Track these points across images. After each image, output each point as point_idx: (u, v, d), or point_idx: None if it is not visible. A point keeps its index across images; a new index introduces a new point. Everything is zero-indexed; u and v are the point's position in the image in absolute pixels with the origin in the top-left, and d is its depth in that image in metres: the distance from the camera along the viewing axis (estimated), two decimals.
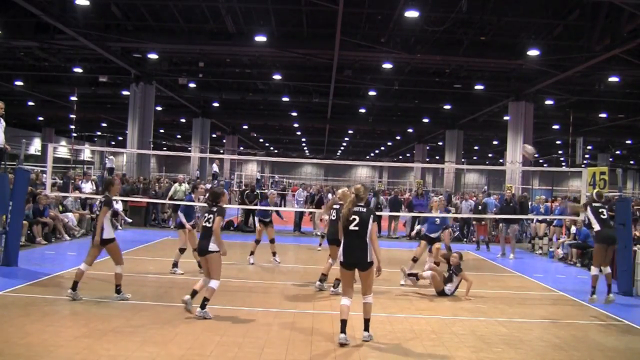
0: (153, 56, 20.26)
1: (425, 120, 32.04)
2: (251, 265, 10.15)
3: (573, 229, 13.02)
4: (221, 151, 40.59)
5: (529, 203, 16.88)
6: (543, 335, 6.38)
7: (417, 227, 10.53)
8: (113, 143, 43.83)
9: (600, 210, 7.88)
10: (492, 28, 15.84)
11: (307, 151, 57.58)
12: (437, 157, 46.93)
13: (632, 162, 46.96)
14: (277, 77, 22.38)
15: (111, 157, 23.16)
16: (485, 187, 24.64)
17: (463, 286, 8.27)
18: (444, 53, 17.83)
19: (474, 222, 15.84)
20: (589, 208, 7.99)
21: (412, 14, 13.63)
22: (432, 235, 9.28)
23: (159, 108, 28.45)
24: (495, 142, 39.15)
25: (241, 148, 45.64)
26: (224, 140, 41.86)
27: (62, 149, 37.94)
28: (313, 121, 34.93)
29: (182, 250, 9.07)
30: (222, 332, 5.81)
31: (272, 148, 56.34)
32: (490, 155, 48.39)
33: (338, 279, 7.98)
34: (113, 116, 33.50)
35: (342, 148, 55.57)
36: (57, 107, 30.09)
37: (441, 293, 8.07)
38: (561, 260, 13.02)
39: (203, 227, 6.43)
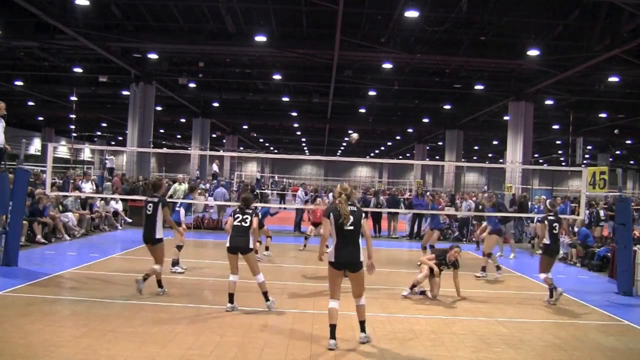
0: (153, 56, 20.25)
1: (425, 120, 32.03)
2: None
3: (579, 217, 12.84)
4: (221, 151, 40.57)
5: (529, 203, 16.89)
6: (543, 335, 6.38)
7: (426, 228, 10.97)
8: (113, 143, 43.79)
9: (554, 224, 8.24)
10: (492, 28, 15.83)
11: (307, 151, 57.59)
12: (437, 157, 46.94)
13: (632, 162, 46.96)
14: (277, 77, 22.37)
15: (111, 157, 23.15)
16: (485, 187, 24.64)
17: (449, 287, 8.20)
18: (444, 53, 17.82)
19: (474, 222, 15.85)
20: (546, 222, 8.30)
21: (412, 14, 13.63)
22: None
23: (159, 108, 28.45)
24: (495, 142, 39.15)
25: (241, 148, 45.65)
26: (224, 140, 41.85)
27: (62, 149, 37.95)
28: (313, 121, 34.94)
29: (179, 248, 9.10)
30: (222, 332, 5.82)
31: (272, 148, 56.34)
32: (490, 155, 48.40)
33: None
34: (113, 116, 33.49)
35: (342, 148, 55.57)
36: (57, 107, 30.08)
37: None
38: (561, 260, 13.02)
39: (236, 226, 6.77)
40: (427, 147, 42.17)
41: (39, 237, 11.48)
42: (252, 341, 5.55)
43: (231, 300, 6.70)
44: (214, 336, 5.63)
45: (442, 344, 5.76)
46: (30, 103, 31.35)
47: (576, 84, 21.24)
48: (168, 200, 8.19)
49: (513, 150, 22.07)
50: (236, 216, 6.85)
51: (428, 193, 14.41)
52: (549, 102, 24.22)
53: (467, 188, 31.56)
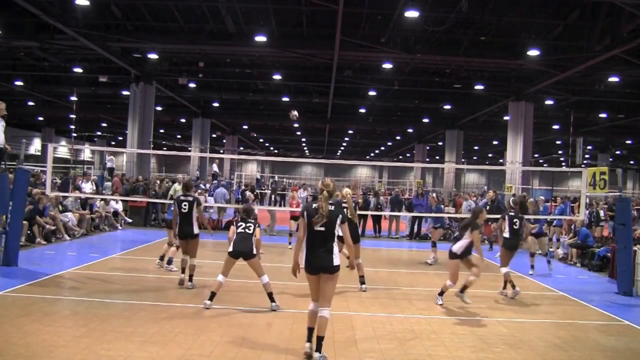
0: (153, 56, 20.24)
1: (425, 120, 32.02)
2: None
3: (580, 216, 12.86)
4: (221, 151, 40.57)
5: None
6: (543, 335, 6.38)
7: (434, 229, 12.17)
8: (113, 143, 43.81)
9: (515, 220, 8.58)
10: (492, 28, 15.83)
11: (307, 151, 57.57)
12: (437, 157, 46.91)
13: (632, 162, 46.96)
14: (277, 77, 22.36)
15: (111, 157, 23.16)
16: (485, 187, 24.63)
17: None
18: (444, 53, 17.81)
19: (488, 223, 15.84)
20: (506, 217, 8.72)
21: (412, 14, 13.62)
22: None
23: (159, 108, 28.43)
24: (495, 142, 39.13)
25: (241, 148, 45.62)
26: (224, 140, 41.84)
27: (62, 149, 37.94)
28: (313, 121, 34.92)
29: (170, 245, 9.17)
30: (222, 332, 5.82)
31: (272, 148, 56.32)
32: (490, 155, 48.38)
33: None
34: (113, 116, 33.48)
35: (342, 148, 55.57)
36: (57, 107, 30.07)
37: (451, 254, 7.49)
38: (561, 260, 13.03)
39: (240, 233, 6.98)
40: (427, 147, 42.15)
41: (38, 239, 11.47)
42: (252, 341, 5.55)
43: (211, 298, 6.78)
44: (214, 336, 5.63)
45: (442, 344, 5.76)
46: (30, 103, 31.32)
47: (576, 84, 21.24)
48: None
49: (513, 150, 22.07)
50: (239, 224, 7.10)
51: (434, 194, 14.60)
52: (549, 102, 24.21)
53: (468, 188, 31.57)
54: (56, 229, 12.34)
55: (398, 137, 43.77)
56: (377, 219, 17.24)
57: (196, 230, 7.91)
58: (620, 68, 17.18)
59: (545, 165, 36.08)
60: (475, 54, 17.48)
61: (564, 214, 14.68)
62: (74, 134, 29.12)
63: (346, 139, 46.89)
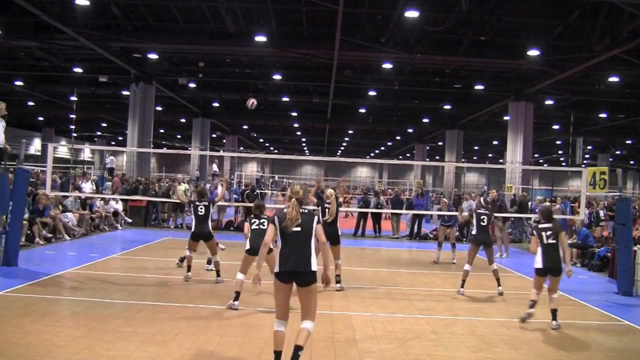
0: (153, 56, 20.23)
1: (425, 120, 32.02)
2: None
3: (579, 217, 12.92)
4: (221, 151, 40.55)
5: (529, 203, 16.88)
6: (543, 335, 6.38)
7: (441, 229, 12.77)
8: (113, 143, 43.77)
9: (482, 217, 8.79)
10: (492, 28, 15.83)
11: (307, 151, 57.56)
12: (437, 157, 46.91)
13: (632, 162, 46.96)
14: (277, 77, 22.36)
15: (112, 157, 23.17)
16: (485, 187, 24.62)
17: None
18: (444, 53, 17.80)
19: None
20: (474, 214, 8.93)
21: (412, 14, 13.62)
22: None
23: (159, 108, 28.41)
24: (495, 142, 39.13)
25: (241, 148, 45.60)
26: (224, 140, 41.84)
27: (62, 149, 37.92)
28: (313, 121, 34.93)
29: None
30: (222, 332, 5.82)
31: (272, 148, 56.32)
32: (490, 155, 48.39)
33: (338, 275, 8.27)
34: (113, 116, 33.47)
35: (342, 148, 55.57)
36: (57, 107, 30.06)
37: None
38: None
39: (255, 230, 7.13)
40: (427, 147, 42.14)
41: (37, 239, 11.46)
42: (252, 341, 5.55)
43: (236, 299, 6.81)
44: (214, 336, 5.63)
45: (442, 344, 5.76)
46: (30, 103, 31.32)
47: (576, 84, 21.23)
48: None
49: (513, 150, 22.06)
50: (253, 221, 7.25)
51: (445, 199, 14.89)
52: (549, 102, 24.21)
53: (467, 188, 31.52)
54: (56, 228, 12.34)
55: (398, 137, 43.78)
56: (377, 219, 17.23)
57: (211, 230, 8.63)
58: (620, 68, 17.18)
59: (545, 165, 36.09)
60: (475, 54, 17.47)
61: (564, 214, 14.68)
62: (74, 134, 29.09)
63: (346, 139, 46.89)
